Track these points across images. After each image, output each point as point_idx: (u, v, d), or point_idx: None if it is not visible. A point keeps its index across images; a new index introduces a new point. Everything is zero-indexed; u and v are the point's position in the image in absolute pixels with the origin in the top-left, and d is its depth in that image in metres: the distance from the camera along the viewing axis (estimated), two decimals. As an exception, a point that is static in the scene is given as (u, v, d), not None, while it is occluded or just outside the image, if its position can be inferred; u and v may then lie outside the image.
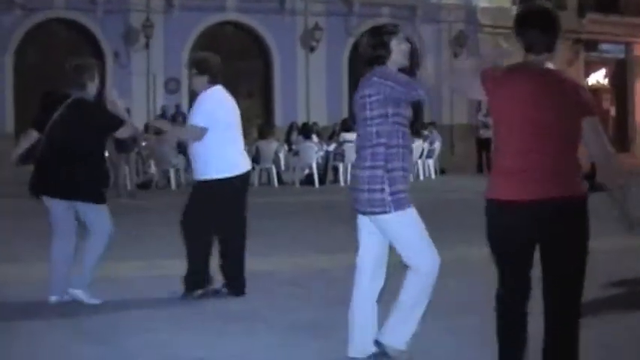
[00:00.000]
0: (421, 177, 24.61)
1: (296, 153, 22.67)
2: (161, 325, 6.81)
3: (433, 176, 25.36)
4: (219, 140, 7.73)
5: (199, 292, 7.74)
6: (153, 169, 21.71)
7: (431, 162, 25.69)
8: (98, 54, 29.24)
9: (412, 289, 5.42)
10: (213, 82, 7.96)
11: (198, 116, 7.85)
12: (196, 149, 7.85)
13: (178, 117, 27.28)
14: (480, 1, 33.56)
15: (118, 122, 7.67)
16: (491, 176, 4.69)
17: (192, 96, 30.15)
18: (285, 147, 23.39)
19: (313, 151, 22.02)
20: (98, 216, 7.59)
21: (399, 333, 5.44)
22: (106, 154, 19.84)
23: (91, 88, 7.69)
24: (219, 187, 7.75)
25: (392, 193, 5.29)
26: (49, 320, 6.99)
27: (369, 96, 5.37)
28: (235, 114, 8.07)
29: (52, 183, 7.44)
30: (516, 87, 4.50)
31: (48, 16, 29.12)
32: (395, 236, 5.42)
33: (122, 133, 7.79)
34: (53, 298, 7.48)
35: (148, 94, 29.16)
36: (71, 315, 7.14)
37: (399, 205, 5.31)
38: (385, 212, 5.31)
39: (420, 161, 24.86)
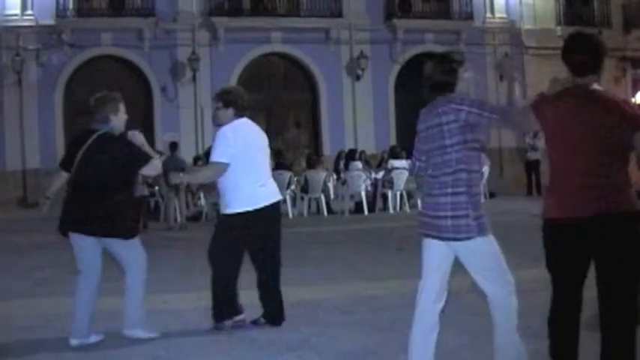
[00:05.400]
0: (471, 201, 24.37)
1: (344, 182, 22.61)
2: (211, 357, 6.83)
3: (483, 200, 25.01)
4: (236, 174, 7.59)
5: (228, 322, 7.67)
6: (202, 201, 21.75)
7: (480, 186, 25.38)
8: (146, 89, 29.79)
9: (499, 321, 5.39)
10: (239, 115, 7.79)
11: (216, 151, 7.65)
12: (220, 183, 7.72)
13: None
14: (525, 23, 33.44)
15: (144, 159, 7.37)
16: (550, 196, 4.93)
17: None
18: (334, 176, 23.37)
19: (361, 180, 21.96)
20: (129, 251, 7.37)
21: None
22: (156, 188, 20.26)
23: (116, 122, 7.44)
24: (239, 221, 7.57)
25: (476, 218, 5.25)
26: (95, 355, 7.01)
27: (447, 123, 5.30)
28: (256, 146, 7.83)
29: (80, 220, 7.19)
30: (568, 110, 4.69)
31: (96, 53, 29.60)
32: (477, 261, 5.36)
33: (148, 170, 7.43)
34: (74, 342, 7.21)
35: (196, 127, 29.55)
36: (118, 347, 7.16)
37: (482, 230, 5.26)
38: (470, 237, 5.25)
39: (469, 186, 24.71)
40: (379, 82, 31.56)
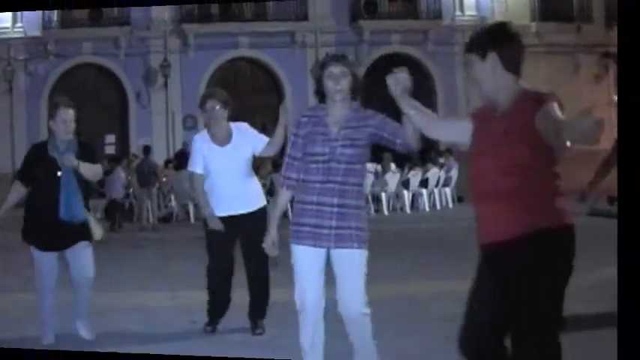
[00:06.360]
0: (438, 206, 24.11)
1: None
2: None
3: (451, 205, 24.45)
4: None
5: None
6: (173, 203, 22.14)
7: (448, 190, 24.81)
8: (122, 95, 30.60)
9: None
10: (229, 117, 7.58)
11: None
12: (244, 180, 7.56)
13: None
14: (497, 19, 32.70)
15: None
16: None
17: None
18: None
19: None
20: None
21: None
22: (131, 190, 20.92)
23: (54, 128, 7.15)
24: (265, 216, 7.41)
25: (291, 224, 5.46)
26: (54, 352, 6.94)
27: None
28: None
29: None
30: None
31: (77, 62, 30.46)
32: None
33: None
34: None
35: (167, 132, 29.92)
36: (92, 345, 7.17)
37: (291, 237, 5.44)
38: None
39: (436, 190, 24.38)
40: (346, 85, 31.67)
